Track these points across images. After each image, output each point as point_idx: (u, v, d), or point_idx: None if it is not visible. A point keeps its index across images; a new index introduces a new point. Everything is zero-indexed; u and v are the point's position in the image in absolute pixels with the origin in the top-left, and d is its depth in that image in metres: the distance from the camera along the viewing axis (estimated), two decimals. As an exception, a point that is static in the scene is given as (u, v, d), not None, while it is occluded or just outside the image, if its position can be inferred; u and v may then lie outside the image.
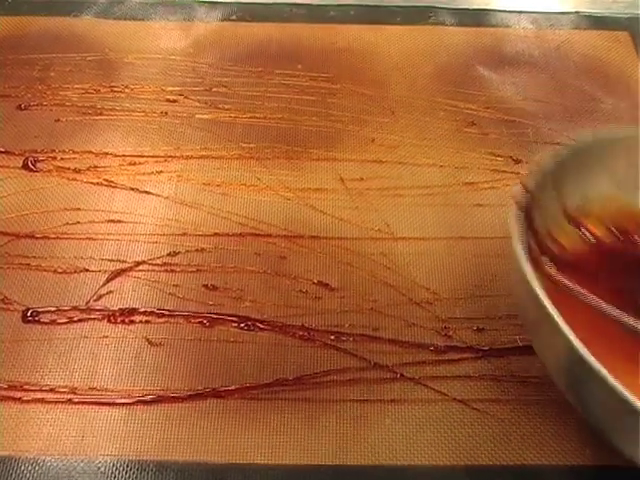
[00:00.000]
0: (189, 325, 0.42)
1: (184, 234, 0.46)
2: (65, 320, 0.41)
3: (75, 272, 0.44)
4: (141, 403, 0.38)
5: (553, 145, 0.52)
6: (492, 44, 0.60)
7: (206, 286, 0.43)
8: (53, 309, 0.42)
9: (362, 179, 0.50)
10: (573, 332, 0.30)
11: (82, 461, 0.36)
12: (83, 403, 0.38)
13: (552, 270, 0.35)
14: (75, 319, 0.42)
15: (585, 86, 0.57)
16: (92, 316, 0.42)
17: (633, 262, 0.39)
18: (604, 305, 0.35)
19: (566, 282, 0.35)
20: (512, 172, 0.50)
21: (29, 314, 0.42)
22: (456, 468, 0.37)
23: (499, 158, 0.51)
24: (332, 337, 0.42)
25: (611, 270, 0.38)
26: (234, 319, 0.42)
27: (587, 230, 0.39)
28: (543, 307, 0.31)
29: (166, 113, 0.53)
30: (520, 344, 0.41)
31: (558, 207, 0.39)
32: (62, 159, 0.49)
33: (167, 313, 0.42)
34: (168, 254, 0.45)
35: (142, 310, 0.42)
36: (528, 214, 0.35)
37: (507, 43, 0.61)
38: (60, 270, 0.44)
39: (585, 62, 0.59)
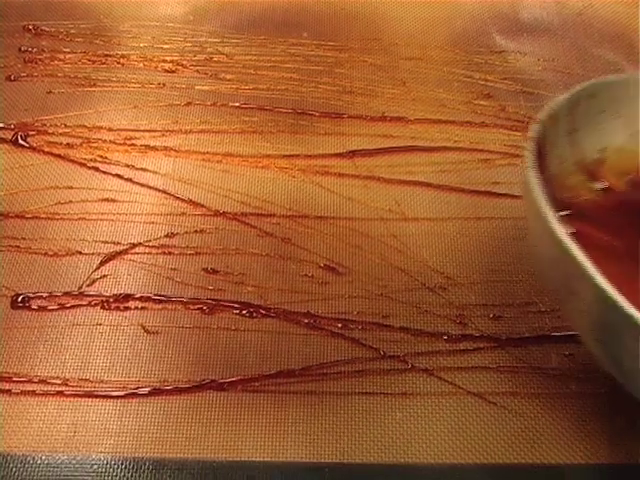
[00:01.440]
0: (188, 312, 0.39)
1: (182, 214, 0.43)
2: (56, 306, 0.39)
3: (67, 255, 0.41)
4: (137, 396, 0.36)
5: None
6: (510, 11, 0.57)
7: (206, 270, 0.41)
8: (44, 295, 0.40)
9: (371, 155, 0.47)
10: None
11: (74, 458, 0.34)
12: (75, 396, 0.36)
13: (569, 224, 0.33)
14: (67, 305, 0.39)
15: (608, 54, 0.54)
16: (85, 302, 0.39)
17: None
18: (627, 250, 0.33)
19: (589, 231, 0.33)
20: (531, 148, 0.47)
21: (18, 300, 0.39)
22: (471, 466, 0.35)
23: (517, 133, 0.48)
24: (339, 325, 0.39)
25: (631, 222, 0.36)
26: (235, 305, 0.40)
27: (604, 182, 0.37)
28: (566, 248, 0.28)
29: (164, 84, 0.50)
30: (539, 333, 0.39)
31: (572, 156, 0.36)
32: (53, 134, 0.47)
33: (164, 299, 0.40)
34: (165, 235, 0.42)
35: (138, 296, 0.40)
36: (541, 158, 0.33)
37: (525, 10, 0.57)
38: (51, 253, 0.41)
39: (608, 29, 0.56)
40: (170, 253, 0.42)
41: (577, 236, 0.29)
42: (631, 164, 0.37)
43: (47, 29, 0.53)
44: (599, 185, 0.37)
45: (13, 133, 0.47)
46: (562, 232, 0.29)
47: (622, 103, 0.37)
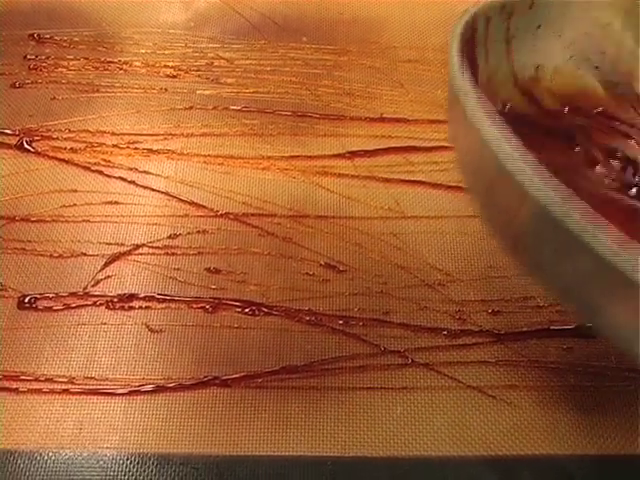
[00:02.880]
0: (191, 311, 0.40)
1: (185, 215, 0.44)
2: (62, 307, 0.40)
3: (72, 256, 0.42)
4: (141, 393, 0.37)
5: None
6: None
7: (208, 269, 0.42)
8: (50, 295, 0.40)
9: (371, 155, 0.47)
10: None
11: (80, 454, 0.35)
12: (81, 393, 0.37)
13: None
14: (72, 305, 0.40)
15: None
16: (90, 302, 0.40)
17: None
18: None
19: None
20: (528, 146, 0.48)
21: (25, 301, 0.40)
22: (471, 458, 0.35)
23: (514, 132, 0.49)
24: (340, 322, 0.40)
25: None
26: (238, 304, 0.40)
27: (537, 100, 0.34)
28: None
29: (166, 89, 0.51)
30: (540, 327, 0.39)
31: (507, 67, 0.34)
32: (58, 139, 0.47)
33: (168, 298, 0.40)
34: (168, 236, 0.43)
35: (142, 295, 0.40)
36: (471, 61, 0.30)
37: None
38: (56, 254, 0.42)
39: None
40: (173, 254, 0.42)
41: None
42: (566, 88, 0.35)
43: (51, 37, 0.54)
44: (532, 102, 0.34)
45: (18, 138, 0.47)
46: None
47: (564, 23, 0.35)
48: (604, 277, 0.22)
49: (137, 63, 0.53)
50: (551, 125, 0.34)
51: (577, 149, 0.33)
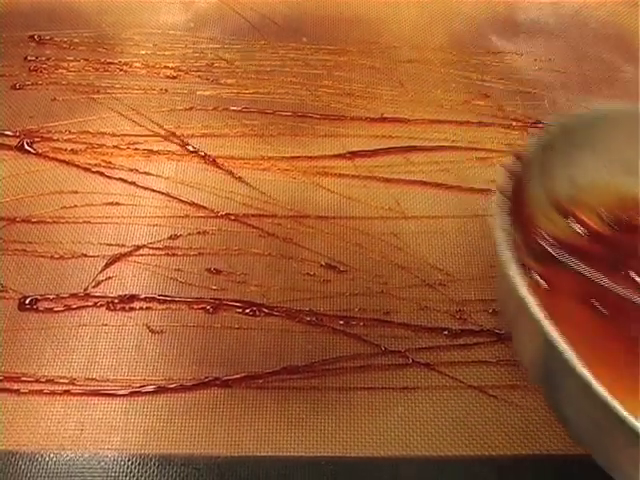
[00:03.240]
0: (192, 311, 0.40)
1: (186, 216, 0.44)
2: (63, 308, 0.40)
3: (73, 257, 0.42)
4: (142, 394, 0.37)
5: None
6: (506, 12, 0.58)
7: (209, 270, 0.42)
8: (50, 296, 0.40)
9: (371, 155, 0.47)
10: (555, 328, 0.26)
11: (82, 455, 0.35)
12: (82, 394, 0.37)
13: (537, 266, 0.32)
14: (73, 307, 0.40)
15: (604, 54, 0.55)
16: (91, 303, 0.40)
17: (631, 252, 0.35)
18: (596, 274, 0.32)
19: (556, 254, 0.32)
20: (528, 146, 0.48)
21: (26, 302, 0.40)
22: (472, 458, 0.35)
23: (514, 132, 0.49)
24: (341, 322, 0.40)
25: (607, 260, 0.34)
26: (238, 304, 0.40)
27: (580, 221, 0.35)
28: (519, 293, 0.27)
29: (166, 90, 0.51)
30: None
31: (545, 195, 0.35)
32: (58, 140, 0.48)
33: (169, 299, 0.40)
34: (169, 237, 0.43)
35: (142, 296, 0.40)
36: (514, 202, 0.32)
37: (522, 11, 0.58)
38: (57, 256, 0.42)
39: (604, 29, 0.57)
40: (174, 254, 0.42)
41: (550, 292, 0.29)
42: (604, 199, 0.36)
43: (51, 38, 0.54)
44: (574, 223, 0.36)
45: (19, 140, 0.47)
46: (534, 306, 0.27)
47: (595, 137, 0.36)
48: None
49: (137, 64, 0.53)
50: (595, 250, 0.35)
51: (623, 272, 0.33)
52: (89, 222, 0.44)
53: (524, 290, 0.27)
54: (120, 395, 0.37)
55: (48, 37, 0.54)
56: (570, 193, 0.36)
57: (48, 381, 0.37)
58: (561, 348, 0.26)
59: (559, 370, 0.27)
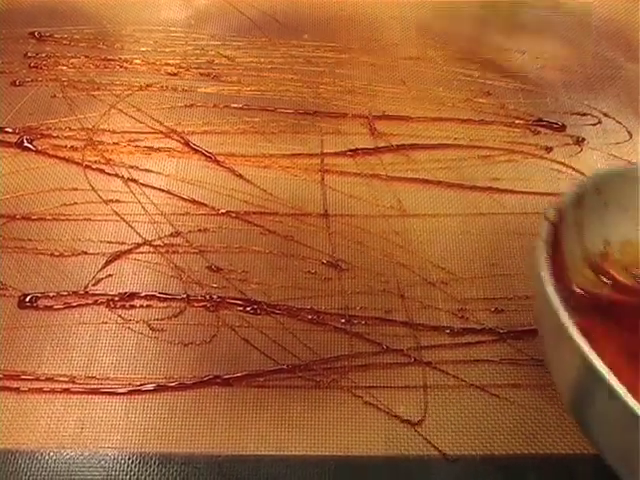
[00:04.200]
0: (192, 309, 0.40)
1: (186, 213, 0.44)
2: (63, 306, 0.40)
3: (73, 255, 0.42)
4: (142, 392, 0.37)
5: (573, 115, 0.50)
6: (508, 9, 0.58)
7: (210, 268, 0.42)
8: (50, 294, 0.40)
9: (373, 153, 0.47)
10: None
11: (82, 454, 0.35)
12: (82, 393, 0.37)
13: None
14: (73, 305, 0.40)
15: (606, 52, 0.55)
16: (91, 301, 0.40)
17: None
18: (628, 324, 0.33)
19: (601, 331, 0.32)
20: (530, 144, 0.48)
21: (26, 300, 0.40)
22: (474, 457, 0.35)
23: (516, 130, 0.49)
24: (343, 320, 0.40)
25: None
26: (239, 302, 0.40)
27: (611, 277, 0.36)
28: (559, 319, 0.28)
29: (166, 87, 0.51)
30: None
31: (579, 250, 0.36)
32: (58, 137, 0.47)
33: (169, 297, 0.40)
34: (170, 235, 0.43)
35: (143, 294, 0.40)
36: (555, 254, 0.33)
37: (524, 8, 0.58)
38: (57, 253, 0.42)
39: (606, 27, 0.57)
40: (174, 252, 0.42)
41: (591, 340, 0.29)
42: (636, 258, 0.37)
43: (51, 35, 0.54)
44: (606, 280, 0.36)
45: (19, 137, 0.47)
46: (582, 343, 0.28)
47: (627, 196, 0.36)
48: None
49: (137, 61, 0.52)
50: (627, 302, 0.35)
51: None
52: (89, 219, 0.43)
53: (565, 316, 0.28)
54: (120, 393, 0.37)
55: (48, 34, 0.54)
56: (602, 251, 0.36)
57: (48, 379, 0.37)
58: (602, 373, 0.27)
59: (598, 392, 0.27)
